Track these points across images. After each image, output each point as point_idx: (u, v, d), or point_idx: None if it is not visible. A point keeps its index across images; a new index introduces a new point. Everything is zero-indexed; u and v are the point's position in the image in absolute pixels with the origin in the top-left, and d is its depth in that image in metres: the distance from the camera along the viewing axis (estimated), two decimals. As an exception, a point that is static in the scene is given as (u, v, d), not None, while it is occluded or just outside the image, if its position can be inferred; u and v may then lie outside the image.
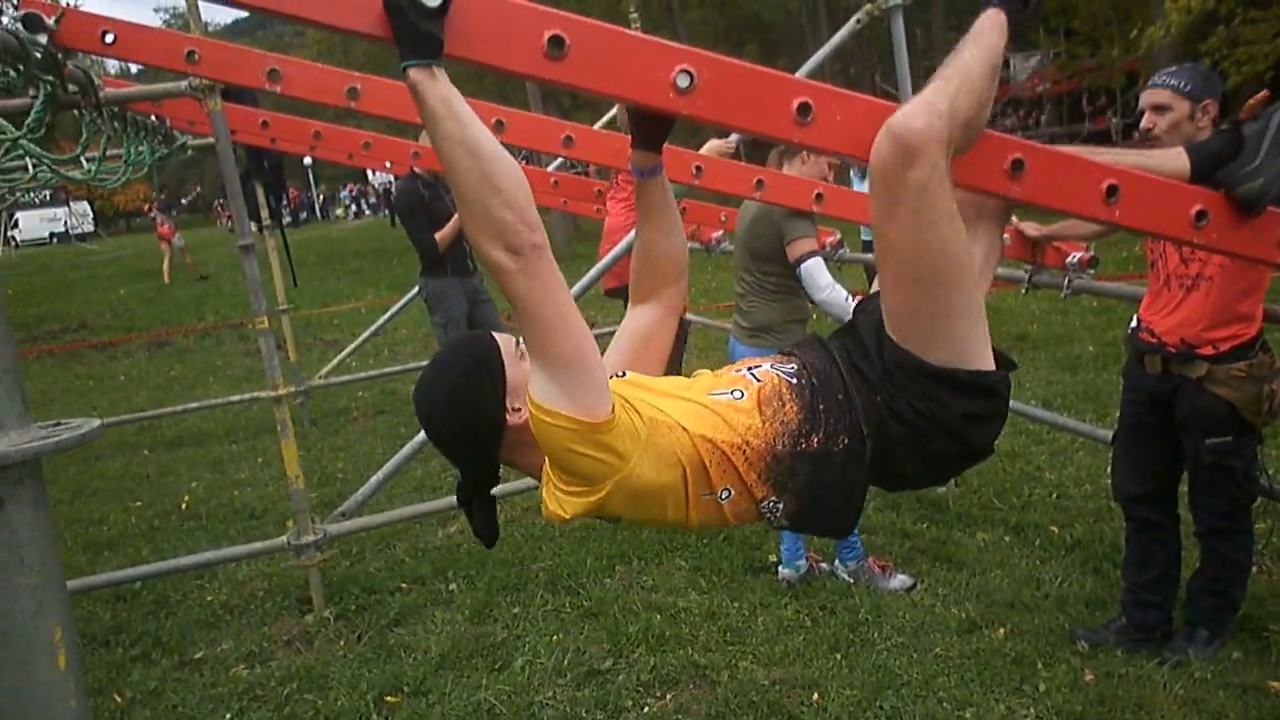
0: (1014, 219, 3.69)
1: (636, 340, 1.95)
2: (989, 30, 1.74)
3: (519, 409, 1.59)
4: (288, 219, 10.76)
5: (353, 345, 8.42)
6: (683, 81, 1.72)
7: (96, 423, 0.74)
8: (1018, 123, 28.35)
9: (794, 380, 1.71)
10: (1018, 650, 3.27)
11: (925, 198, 1.53)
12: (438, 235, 5.70)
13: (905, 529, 4.29)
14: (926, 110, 1.54)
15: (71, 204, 44.35)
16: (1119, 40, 20.76)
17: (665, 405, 1.64)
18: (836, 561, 3.94)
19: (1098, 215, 1.99)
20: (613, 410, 1.49)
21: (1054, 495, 4.55)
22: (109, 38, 3.05)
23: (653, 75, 1.73)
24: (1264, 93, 2.61)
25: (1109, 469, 4.39)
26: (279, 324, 7.18)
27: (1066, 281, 3.74)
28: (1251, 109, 2.45)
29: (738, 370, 1.78)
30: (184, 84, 3.75)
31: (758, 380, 1.71)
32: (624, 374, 1.79)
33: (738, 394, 1.69)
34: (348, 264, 20.44)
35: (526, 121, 3.57)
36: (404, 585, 4.22)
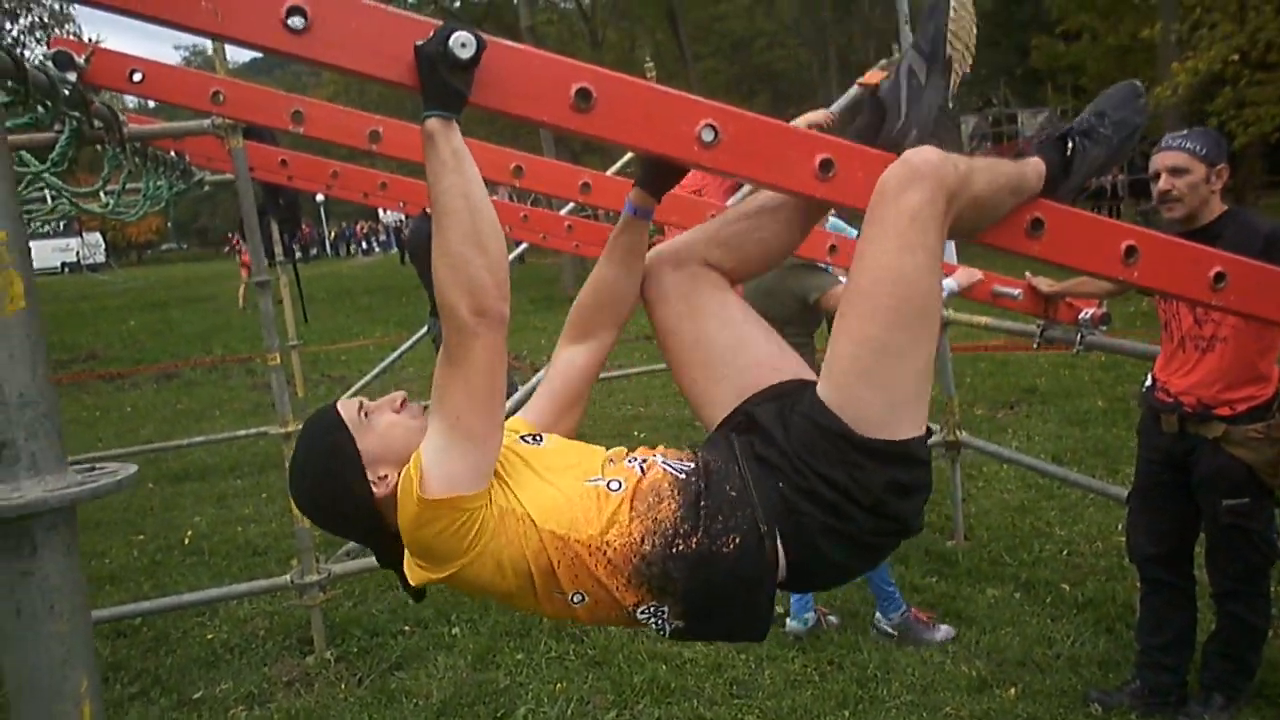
0: (1028, 274, 3.71)
1: (567, 374, 1.87)
2: (1029, 166, 1.74)
3: (385, 476, 1.54)
4: (299, 255, 10.86)
5: (360, 383, 8.39)
6: (707, 135, 1.73)
7: (133, 468, 0.74)
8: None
9: (680, 476, 1.59)
10: (1030, 712, 3.22)
11: (914, 225, 1.53)
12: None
13: (914, 583, 4.25)
14: (945, 157, 1.56)
15: (84, 234, 44.73)
16: (1127, 98, 20.93)
17: (530, 491, 1.54)
18: (878, 615, 3.86)
19: (1116, 275, 1.99)
20: (477, 498, 1.45)
21: (1065, 552, 4.51)
22: (137, 77, 3.10)
23: (678, 128, 1.74)
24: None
25: (1121, 527, 4.37)
26: (288, 360, 7.19)
27: (1079, 337, 3.74)
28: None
29: (630, 460, 1.65)
30: (207, 122, 3.79)
31: (641, 472, 1.60)
32: (539, 439, 1.71)
33: (615, 485, 1.57)
34: (357, 301, 20.54)
35: (544, 168, 3.61)
36: (406, 628, 4.18)
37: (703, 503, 1.55)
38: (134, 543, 5.71)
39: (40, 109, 3.00)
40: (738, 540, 1.53)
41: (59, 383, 12.55)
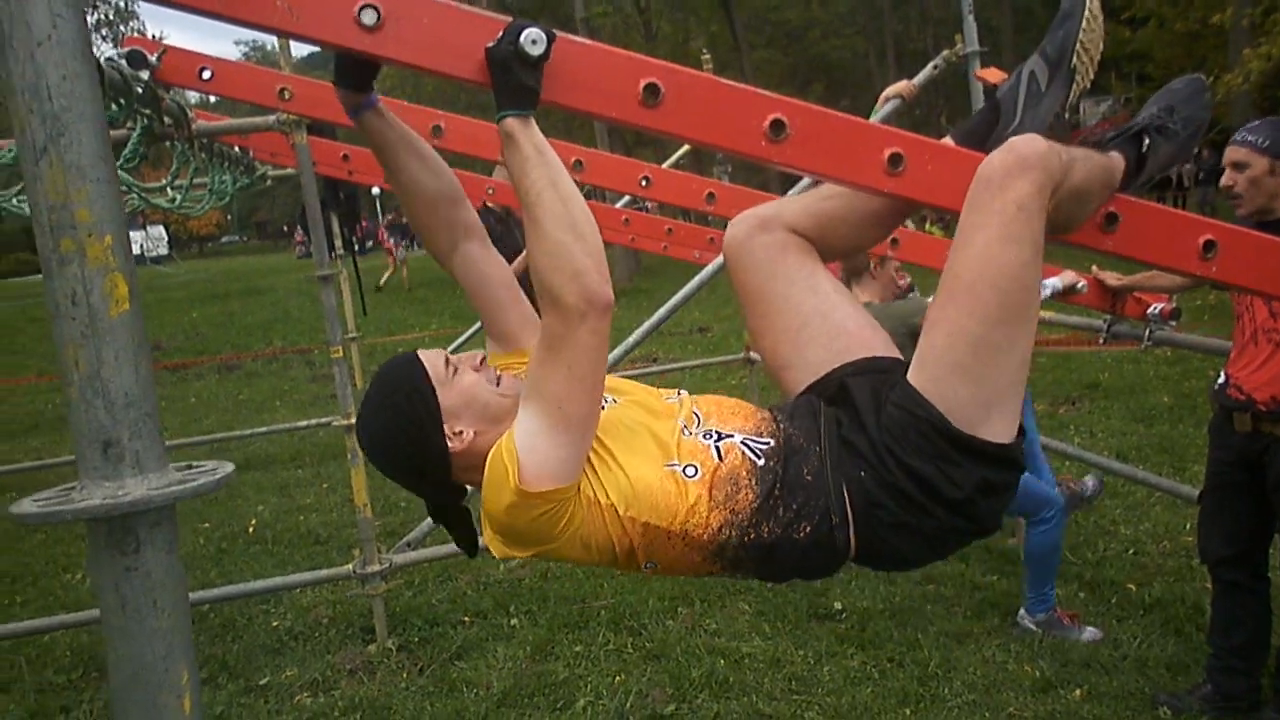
0: (1094, 268, 3.63)
1: (485, 291, 1.80)
2: (1111, 161, 1.71)
3: (460, 432, 1.55)
4: (356, 247, 11.03)
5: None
6: (775, 130, 1.72)
7: (230, 467, 0.75)
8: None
9: (759, 461, 1.58)
10: (1096, 714, 3.17)
11: (1019, 215, 1.50)
12: (511, 266, 5.77)
13: (975, 581, 4.19)
14: (1050, 145, 1.54)
15: (148, 228, 45.86)
16: (1194, 86, 20.34)
17: (613, 476, 1.53)
18: (1022, 611, 3.78)
19: (1193, 271, 1.94)
20: (570, 488, 1.47)
21: (1130, 551, 4.41)
22: (206, 74, 3.17)
23: (745, 123, 1.73)
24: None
25: (1189, 526, 4.27)
26: (348, 352, 7.31)
27: (1147, 333, 3.65)
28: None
29: (705, 436, 1.62)
30: (272, 118, 3.85)
31: (719, 457, 1.58)
32: (614, 400, 1.69)
33: (691, 470, 1.56)
34: (414, 292, 20.77)
35: (605, 161, 3.63)
36: (466, 618, 4.23)
37: (777, 491, 1.56)
38: (200, 531, 5.85)
39: (114, 106, 3.08)
40: (808, 529, 1.55)
41: (126, 373, 12.89)
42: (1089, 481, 4.30)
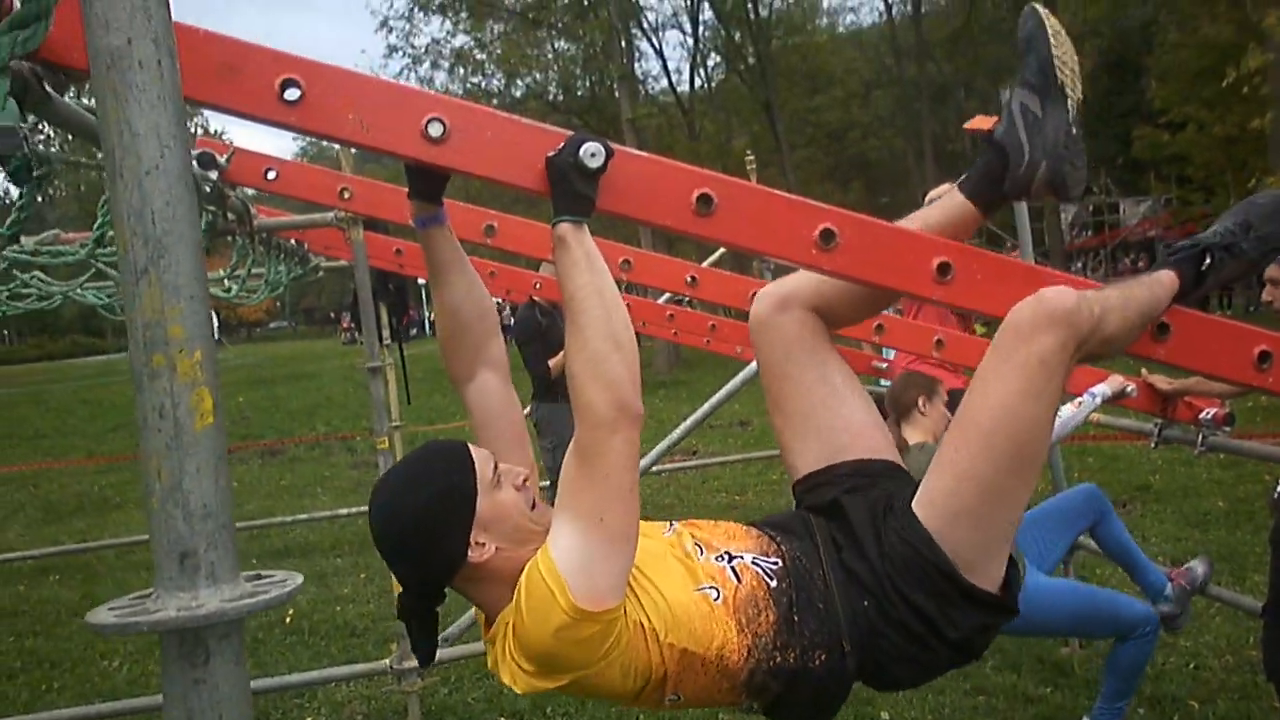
0: (1143, 371, 3.59)
1: (494, 425, 1.77)
2: (1160, 284, 1.71)
3: (484, 544, 1.49)
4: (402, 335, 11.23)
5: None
6: (826, 240, 1.75)
7: (299, 578, 0.76)
8: (1128, 266, 27.90)
9: (773, 583, 1.58)
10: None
11: (1041, 370, 1.52)
12: (551, 362, 5.83)
13: (1027, 693, 4.05)
14: (1081, 299, 1.55)
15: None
16: (1235, 189, 20.37)
17: (649, 599, 1.52)
18: (1098, 708, 3.53)
19: (1249, 381, 1.92)
20: (619, 606, 1.43)
21: (1191, 665, 4.25)
22: (271, 175, 3.29)
23: (795, 232, 1.77)
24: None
25: (1253, 640, 4.11)
26: (392, 441, 7.36)
27: (1200, 439, 3.59)
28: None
29: (718, 557, 1.62)
30: (331, 215, 3.98)
31: (736, 578, 1.58)
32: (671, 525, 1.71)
33: (714, 593, 1.55)
34: (454, 382, 20.93)
35: (652, 261, 3.69)
36: (502, 718, 4.15)
37: (795, 616, 1.56)
38: (238, 618, 5.84)
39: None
40: (824, 656, 1.56)
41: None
42: (1198, 567, 3.79)
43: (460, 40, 23.43)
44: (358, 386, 19.97)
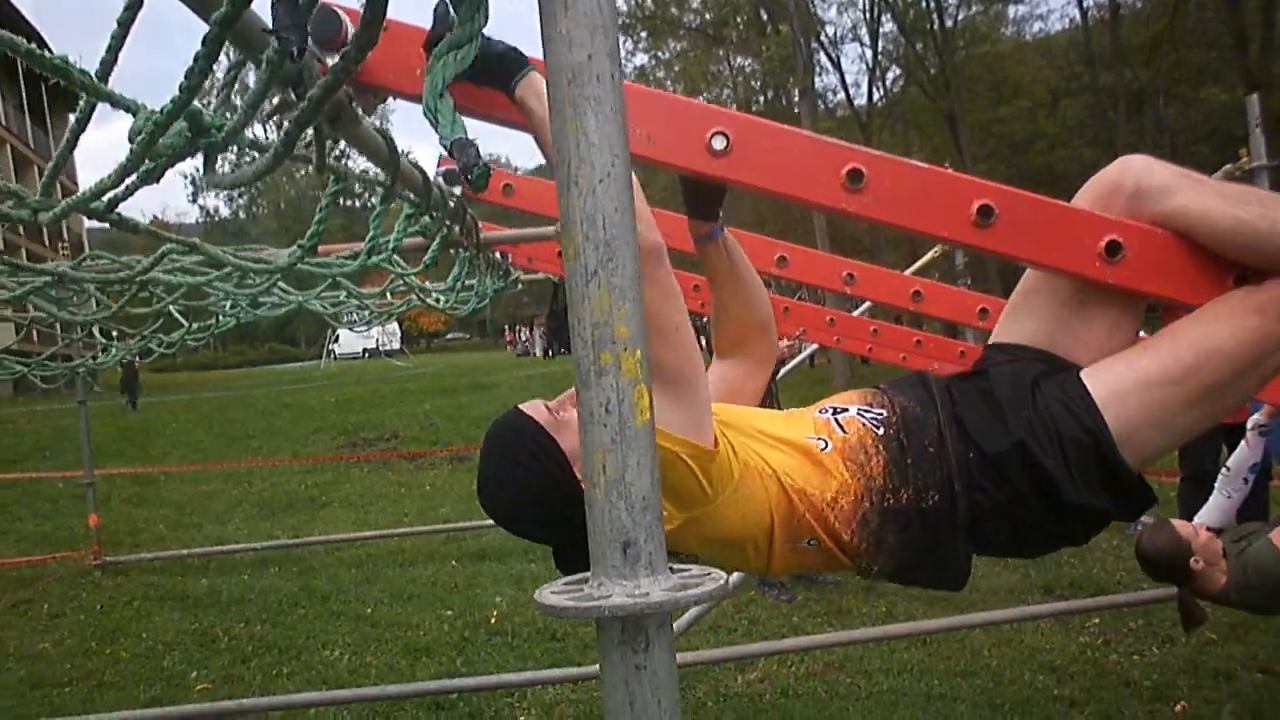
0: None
1: (724, 394, 1.92)
2: None
3: None
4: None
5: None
6: (985, 216, 1.68)
7: (723, 577, 0.79)
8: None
9: (880, 430, 1.65)
10: None
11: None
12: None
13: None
14: None
15: (385, 325, 49.69)
16: None
17: (757, 448, 1.60)
18: None
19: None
20: (715, 441, 1.49)
21: None
22: (507, 189, 3.44)
23: (952, 207, 1.71)
24: None
25: None
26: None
27: None
28: None
29: (821, 412, 1.73)
30: (552, 229, 4.12)
31: (843, 430, 1.67)
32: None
33: (823, 444, 1.64)
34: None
35: (808, 258, 3.66)
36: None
37: (908, 459, 1.61)
38: (444, 617, 6.09)
39: (427, 219, 3.40)
40: (936, 497, 1.58)
41: (368, 460, 13.81)
42: None
43: (640, 59, 23.93)
44: (536, 396, 20.55)
